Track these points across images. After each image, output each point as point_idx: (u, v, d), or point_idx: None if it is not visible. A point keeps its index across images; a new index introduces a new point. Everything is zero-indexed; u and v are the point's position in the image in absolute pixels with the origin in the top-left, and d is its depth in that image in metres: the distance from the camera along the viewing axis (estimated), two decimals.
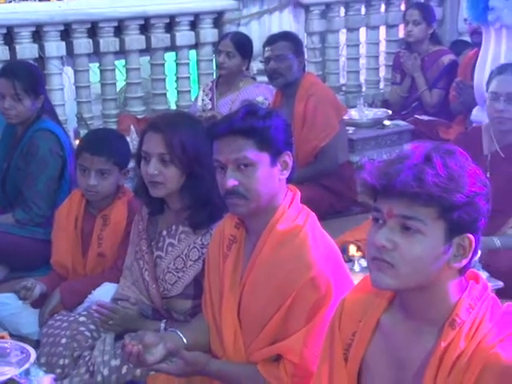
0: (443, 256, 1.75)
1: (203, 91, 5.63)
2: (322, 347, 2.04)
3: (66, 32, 5.74)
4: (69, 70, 5.97)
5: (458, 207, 1.71)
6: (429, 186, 1.69)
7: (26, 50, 5.56)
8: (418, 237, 1.73)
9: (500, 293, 3.40)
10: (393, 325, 1.88)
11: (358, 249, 3.47)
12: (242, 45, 5.37)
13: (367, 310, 1.93)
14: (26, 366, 2.48)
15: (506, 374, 1.70)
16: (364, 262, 3.41)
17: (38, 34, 5.65)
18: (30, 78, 4.01)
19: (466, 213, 1.73)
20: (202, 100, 5.56)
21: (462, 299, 1.80)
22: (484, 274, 3.34)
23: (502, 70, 3.94)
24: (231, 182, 2.35)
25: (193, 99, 6.01)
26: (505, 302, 3.63)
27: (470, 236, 1.75)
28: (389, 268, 1.75)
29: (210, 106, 5.46)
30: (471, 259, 1.79)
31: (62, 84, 5.81)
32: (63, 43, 5.72)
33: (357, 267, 3.40)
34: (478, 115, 4.60)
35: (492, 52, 4.55)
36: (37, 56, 5.60)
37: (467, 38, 6.66)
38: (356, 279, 2.28)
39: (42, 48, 5.66)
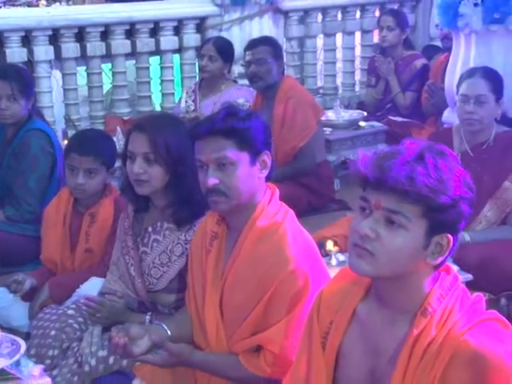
0: (421, 252, 1.76)
1: (186, 93, 5.64)
2: (300, 337, 2.05)
3: (54, 37, 5.73)
4: (57, 74, 5.95)
5: (443, 208, 1.72)
6: (419, 185, 1.70)
7: (16, 53, 5.55)
8: (400, 231, 1.74)
9: (469, 285, 3.43)
10: (368, 314, 1.89)
11: (335, 244, 3.48)
12: (224, 49, 5.38)
13: (344, 300, 1.94)
14: (17, 357, 2.47)
15: (475, 360, 1.71)
16: (341, 257, 3.43)
17: (27, 38, 5.63)
18: (24, 80, 4.00)
19: (449, 214, 1.74)
20: (186, 102, 5.57)
21: (433, 290, 1.81)
22: (454, 268, 3.35)
23: (471, 73, 3.96)
24: (212, 181, 2.36)
25: (176, 101, 6.01)
26: (474, 293, 3.67)
27: (449, 236, 1.77)
28: (368, 256, 1.76)
29: (193, 108, 5.46)
30: (447, 257, 1.81)
31: (50, 87, 5.79)
32: (51, 47, 5.71)
33: (334, 261, 3.41)
34: (449, 116, 4.62)
35: (462, 56, 4.57)
36: (26, 60, 5.59)
37: (438, 43, 6.68)
38: (333, 273, 2.28)
39: (31, 52, 5.65)
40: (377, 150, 1.82)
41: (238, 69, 5.88)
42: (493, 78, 3.90)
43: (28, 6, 7.98)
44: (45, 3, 8.28)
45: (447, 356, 1.73)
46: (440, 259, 1.79)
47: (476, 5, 4.40)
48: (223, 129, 2.34)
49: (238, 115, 2.38)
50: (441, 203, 1.71)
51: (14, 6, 7.85)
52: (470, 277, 3.42)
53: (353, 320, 1.91)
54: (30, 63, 5.63)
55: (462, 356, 1.72)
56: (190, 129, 2.49)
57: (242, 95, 5.33)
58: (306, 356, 1.96)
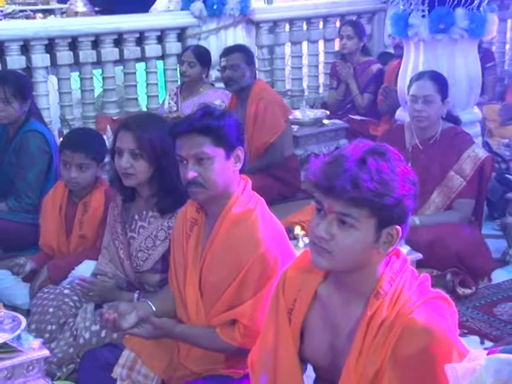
0: (373, 245, 1.76)
1: (169, 95, 5.62)
2: (267, 312, 2.05)
3: (50, 45, 5.68)
4: (53, 79, 5.90)
5: (388, 208, 1.71)
6: (363, 191, 1.68)
7: (15, 61, 5.48)
8: (352, 230, 1.73)
9: (419, 263, 3.47)
10: (328, 295, 1.90)
11: (302, 228, 3.49)
12: (202, 56, 5.38)
13: (306, 279, 1.94)
14: (18, 332, 2.45)
15: (421, 335, 1.72)
16: (307, 240, 3.44)
17: (25, 47, 5.57)
18: (18, 84, 3.95)
19: (395, 212, 1.73)
20: (169, 103, 5.56)
21: (384, 274, 1.81)
22: (406, 248, 3.38)
23: (420, 76, 3.98)
24: (191, 174, 2.35)
25: (160, 102, 5.99)
26: (424, 270, 3.71)
27: (398, 227, 1.76)
28: (326, 253, 1.76)
29: (175, 108, 5.45)
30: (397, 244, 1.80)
31: (47, 90, 5.74)
32: (47, 55, 5.65)
33: (301, 244, 3.42)
34: (401, 115, 4.64)
35: (412, 62, 4.59)
36: (24, 66, 5.53)
37: (391, 51, 6.70)
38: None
39: (29, 59, 5.58)
40: (325, 155, 1.80)
41: (214, 73, 5.86)
42: (439, 80, 3.93)
43: (26, 18, 7.91)
44: (41, 16, 8.22)
45: (398, 332, 1.74)
46: (391, 248, 1.78)
47: (423, 16, 4.41)
48: (200, 127, 2.34)
49: (213, 114, 2.37)
50: (386, 204, 1.70)
51: (13, 18, 7.77)
52: (420, 256, 3.45)
53: (314, 299, 1.92)
54: (29, 69, 5.57)
55: (411, 332, 1.73)
56: (171, 127, 2.48)
57: (218, 97, 5.32)
58: (273, 329, 1.96)
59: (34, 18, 8.02)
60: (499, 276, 3.96)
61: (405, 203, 1.73)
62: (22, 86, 3.98)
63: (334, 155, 1.78)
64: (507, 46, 7.66)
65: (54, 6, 8.81)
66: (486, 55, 6.02)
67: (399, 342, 1.74)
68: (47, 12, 8.57)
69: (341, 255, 1.75)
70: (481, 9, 4.39)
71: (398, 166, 1.74)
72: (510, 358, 1.41)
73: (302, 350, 1.93)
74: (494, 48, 7.29)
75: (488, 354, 1.63)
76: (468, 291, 3.76)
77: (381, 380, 1.75)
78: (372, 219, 1.72)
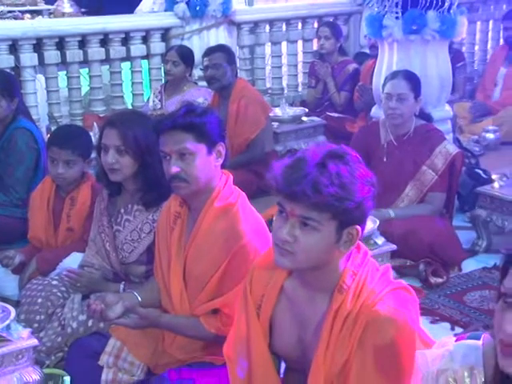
0: (334, 245, 1.75)
1: (154, 94, 5.60)
2: (239, 303, 2.03)
3: (38, 45, 5.64)
4: (41, 77, 5.86)
5: (349, 211, 1.70)
6: (324, 196, 1.66)
7: (4, 60, 5.43)
8: (313, 232, 1.72)
9: (394, 254, 3.48)
10: (294, 290, 1.89)
11: None
12: (186, 55, 5.36)
13: (272, 275, 1.92)
14: (7, 322, 2.45)
15: (384, 326, 1.72)
16: None
17: (14, 47, 5.53)
18: (5, 83, 3.91)
19: (355, 214, 1.72)
20: (153, 101, 5.54)
21: (346, 268, 1.80)
22: (381, 240, 3.39)
23: (394, 75, 3.99)
24: (174, 169, 2.35)
25: (145, 100, 5.96)
26: (398, 261, 3.73)
27: (358, 227, 1.75)
28: (289, 254, 1.75)
29: (159, 106, 5.43)
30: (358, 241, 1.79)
31: (35, 89, 5.70)
32: (36, 55, 5.61)
33: None
34: (376, 112, 4.65)
35: (386, 61, 4.60)
36: (13, 65, 5.49)
37: (367, 51, 6.70)
38: None
39: (17, 59, 5.54)
40: (287, 159, 1.76)
41: (197, 72, 5.85)
42: (412, 79, 3.94)
43: (14, 18, 7.84)
44: (29, 16, 8.15)
45: (362, 324, 1.74)
46: (352, 247, 1.78)
47: (397, 18, 4.42)
48: (183, 124, 2.33)
49: (195, 112, 2.37)
50: (346, 208, 1.68)
51: (1, 19, 7.71)
52: (394, 247, 3.46)
53: (281, 294, 1.90)
54: (17, 68, 5.53)
55: (375, 323, 1.73)
56: (155, 124, 2.47)
57: (201, 95, 5.30)
58: (244, 321, 1.95)
59: (23, 18, 7.96)
60: (469, 265, 3.98)
61: (364, 205, 1.72)
62: (9, 84, 3.95)
63: (295, 159, 1.75)
64: (476, 47, 7.70)
65: (42, 6, 8.75)
66: (456, 55, 6.04)
67: (364, 333, 1.74)
68: (35, 13, 8.50)
69: (303, 256, 1.74)
70: (451, 11, 4.41)
71: (357, 169, 1.73)
72: (477, 343, 1.42)
73: (272, 344, 1.92)
74: (463, 49, 7.33)
75: (456, 340, 1.64)
76: (440, 280, 3.78)
77: (348, 370, 1.75)
78: (333, 222, 1.70)
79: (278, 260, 1.78)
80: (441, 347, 1.60)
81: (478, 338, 1.49)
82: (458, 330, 3.31)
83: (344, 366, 1.76)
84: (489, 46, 7.74)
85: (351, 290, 1.78)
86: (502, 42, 7.05)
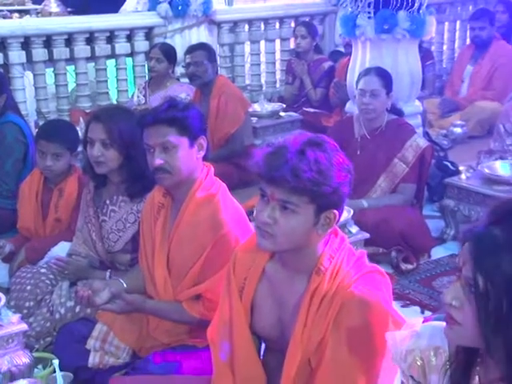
0: (313, 227, 1.76)
1: (138, 89, 5.59)
2: (222, 287, 2.03)
3: (26, 43, 5.59)
4: (29, 74, 5.80)
5: (326, 196, 1.71)
6: (302, 181, 1.68)
7: None
8: (293, 215, 1.73)
9: (367, 242, 3.50)
10: (274, 272, 1.90)
11: None
12: (168, 52, 5.35)
13: (254, 259, 1.93)
14: None
15: (359, 306, 1.74)
16: None
17: (2, 44, 5.47)
18: None
19: (333, 198, 1.73)
20: (138, 96, 5.52)
21: (324, 252, 1.82)
22: (355, 229, 3.40)
23: (367, 72, 3.99)
24: (158, 161, 2.34)
25: (130, 96, 5.94)
26: (371, 248, 3.74)
27: (335, 211, 1.76)
28: (269, 236, 1.76)
29: (143, 101, 5.42)
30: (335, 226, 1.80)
31: (23, 85, 5.65)
32: (24, 52, 5.56)
33: None
34: (351, 107, 4.66)
35: (360, 59, 4.60)
36: (2, 63, 5.44)
37: (341, 49, 6.71)
38: None
39: (6, 56, 5.49)
40: (268, 145, 1.78)
41: (179, 70, 5.82)
42: (384, 75, 3.94)
43: (3, 17, 7.78)
44: (17, 15, 8.10)
45: (338, 305, 1.76)
46: (329, 230, 1.79)
47: (370, 18, 4.42)
48: (166, 118, 2.33)
49: (177, 107, 2.36)
50: (324, 192, 1.70)
51: None
52: (367, 235, 3.47)
53: (262, 277, 1.91)
54: (6, 66, 5.48)
55: (349, 304, 1.74)
56: (139, 118, 2.46)
57: (183, 91, 5.29)
58: (228, 304, 1.95)
59: (11, 17, 7.90)
60: (438, 252, 4.01)
61: (341, 190, 1.74)
62: None
63: (276, 146, 1.76)
64: (445, 46, 7.73)
65: (30, 6, 8.70)
66: (425, 54, 6.07)
67: (340, 313, 1.75)
68: (23, 12, 8.45)
69: (283, 238, 1.75)
70: (420, 12, 4.42)
71: (334, 156, 1.74)
72: (442, 324, 1.43)
73: (253, 324, 1.93)
74: (433, 48, 7.36)
75: (423, 321, 1.65)
76: (410, 266, 3.80)
77: (324, 348, 1.76)
78: (311, 205, 1.72)
79: (260, 242, 1.79)
80: (409, 328, 1.61)
81: (444, 320, 1.50)
82: (428, 313, 3.34)
83: (320, 344, 1.77)
84: (456, 45, 7.77)
85: (328, 272, 1.79)
86: (468, 41, 7.09)
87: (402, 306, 3.43)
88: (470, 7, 7.63)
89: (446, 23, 7.66)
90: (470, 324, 1.32)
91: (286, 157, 1.70)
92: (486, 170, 4.07)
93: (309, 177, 1.67)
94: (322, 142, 1.76)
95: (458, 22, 7.73)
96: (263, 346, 2.04)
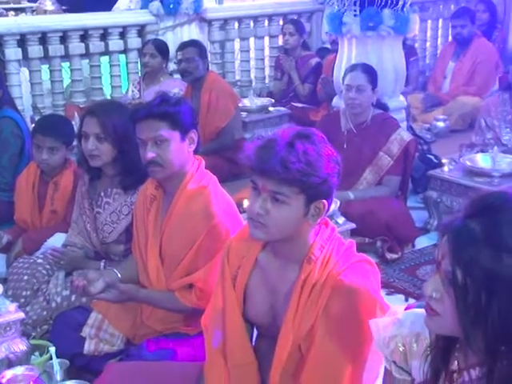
0: (303, 217, 1.76)
1: (133, 84, 5.61)
2: (217, 276, 2.04)
3: (22, 41, 5.55)
4: (25, 71, 5.76)
5: (315, 186, 1.71)
6: (292, 172, 1.68)
7: None
8: (284, 206, 1.73)
9: (353, 232, 3.50)
10: (267, 261, 1.90)
11: None
12: (162, 48, 5.35)
13: (248, 249, 1.93)
14: None
15: (348, 293, 1.74)
16: None
17: None
18: None
19: (322, 189, 1.73)
20: (132, 91, 5.53)
21: (315, 241, 1.82)
22: (341, 219, 3.41)
23: (353, 68, 3.99)
24: (150, 155, 2.34)
25: (123, 92, 5.93)
26: (357, 238, 3.75)
27: (325, 201, 1.76)
28: (262, 227, 1.76)
29: (138, 96, 5.41)
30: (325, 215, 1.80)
31: (19, 81, 5.61)
32: (20, 49, 5.52)
33: None
34: (337, 102, 4.66)
35: (346, 56, 4.60)
36: None
37: (328, 46, 6.70)
38: None
39: (2, 53, 5.46)
40: (259, 139, 1.79)
41: (172, 66, 5.80)
42: (369, 71, 3.94)
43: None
44: (13, 14, 8.06)
45: (328, 292, 1.76)
46: (319, 219, 1.79)
47: (355, 16, 4.42)
48: (158, 113, 2.32)
49: (169, 102, 2.35)
50: (313, 183, 1.70)
51: None
52: (353, 226, 3.48)
53: (255, 266, 1.91)
54: (3, 62, 5.44)
55: (339, 291, 1.75)
56: (132, 113, 2.45)
57: (176, 86, 5.28)
58: (221, 294, 1.95)
59: (7, 15, 7.85)
60: (421, 242, 4.02)
61: (330, 181, 1.74)
62: None
63: (266, 140, 1.77)
64: (428, 43, 7.73)
65: (25, 4, 8.67)
66: (409, 51, 6.07)
67: (330, 300, 1.75)
68: (19, 10, 8.42)
69: (275, 228, 1.75)
70: (404, 10, 4.41)
71: (322, 148, 1.74)
72: (424, 312, 1.44)
73: (246, 312, 1.93)
74: (416, 45, 7.35)
75: (405, 309, 1.66)
76: (395, 256, 3.81)
77: (314, 334, 1.77)
78: (301, 196, 1.72)
79: (253, 232, 1.79)
80: (391, 316, 1.62)
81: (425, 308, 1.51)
82: (412, 300, 3.34)
83: (310, 330, 1.77)
84: (439, 42, 7.77)
85: (319, 260, 1.79)
86: (450, 38, 7.09)
87: (387, 294, 3.44)
88: (452, 6, 7.63)
89: (429, 21, 7.66)
90: (450, 315, 1.32)
91: (276, 149, 1.70)
92: (468, 163, 4.08)
93: (298, 168, 1.68)
94: (311, 135, 1.76)
95: (440, 20, 7.73)
96: (255, 332, 2.04)
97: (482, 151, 4.32)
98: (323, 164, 1.71)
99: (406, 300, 3.40)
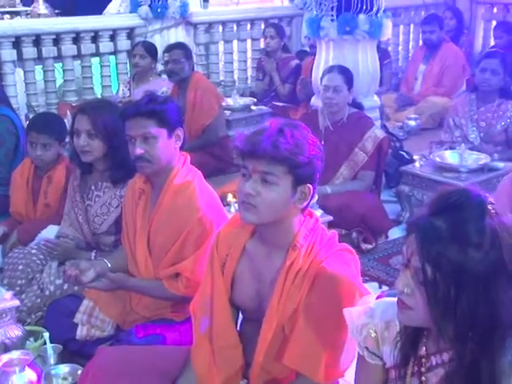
0: (290, 199, 1.77)
1: (123, 84, 5.58)
2: (205, 266, 2.04)
3: (17, 42, 5.50)
4: (20, 71, 5.72)
5: (302, 165, 1.73)
6: (281, 151, 1.70)
7: None
8: (273, 187, 1.74)
9: (330, 224, 3.51)
10: (254, 249, 1.90)
11: (234, 196, 3.48)
12: (151, 49, 5.34)
13: (236, 238, 1.93)
14: None
15: (330, 280, 1.75)
16: (237, 206, 3.42)
17: None
18: None
19: (307, 169, 1.75)
20: (122, 90, 5.49)
21: (300, 230, 1.83)
22: (319, 212, 3.41)
23: (330, 70, 3.99)
24: (138, 151, 2.33)
25: (113, 92, 5.89)
26: (334, 230, 3.74)
27: (310, 185, 1.78)
28: (253, 209, 1.76)
29: (128, 94, 5.37)
30: (310, 201, 1.82)
31: (14, 81, 5.55)
32: (15, 51, 5.47)
33: (232, 209, 3.41)
34: (316, 101, 4.65)
35: (323, 58, 4.60)
36: None
37: (307, 49, 6.69)
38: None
39: None
40: (250, 129, 1.83)
41: (159, 67, 5.77)
42: (346, 73, 3.94)
43: None
44: (8, 17, 7.98)
45: (311, 279, 1.77)
46: (305, 203, 1.81)
47: (332, 20, 4.41)
48: (146, 111, 2.31)
49: (157, 100, 2.35)
50: (300, 162, 1.73)
51: None
52: (330, 218, 3.49)
53: (243, 253, 1.92)
54: None
55: (321, 278, 1.76)
56: (121, 111, 2.43)
57: (165, 85, 5.25)
58: (210, 280, 1.95)
59: (2, 18, 7.78)
60: (394, 233, 4.03)
61: (314, 163, 1.77)
62: None
63: (258, 127, 1.81)
64: (400, 47, 7.75)
65: (20, 8, 8.59)
66: (383, 54, 6.08)
67: (312, 286, 1.77)
68: (13, 13, 8.34)
69: (265, 209, 1.76)
70: (378, 15, 4.42)
71: (307, 135, 1.79)
72: (394, 300, 1.44)
73: (233, 297, 1.93)
74: (389, 48, 7.37)
75: (377, 298, 1.66)
76: (369, 246, 3.83)
77: (297, 317, 1.78)
78: (289, 176, 1.74)
79: (244, 215, 1.79)
80: (364, 305, 1.62)
81: (395, 296, 1.51)
82: (385, 288, 3.37)
83: (293, 314, 1.79)
84: (410, 46, 7.80)
85: (303, 248, 1.80)
86: (421, 43, 7.11)
87: (363, 282, 3.44)
88: (423, 12, 7.65)
89: (401, 26, 7.68)
90: (421, 308, 1.33)
91: (267, 134, 1.74)
92: (437, 159, 4.10)
93: (287, 147, 1.71)
94: (297, 125, 1.81)
95: (411, 26, 7.75)
96: (240, 317, 2.04)
97: (451, 148, 4.34)
98: (309, 147, 1.75)
99: (380, 287, 3.42)
